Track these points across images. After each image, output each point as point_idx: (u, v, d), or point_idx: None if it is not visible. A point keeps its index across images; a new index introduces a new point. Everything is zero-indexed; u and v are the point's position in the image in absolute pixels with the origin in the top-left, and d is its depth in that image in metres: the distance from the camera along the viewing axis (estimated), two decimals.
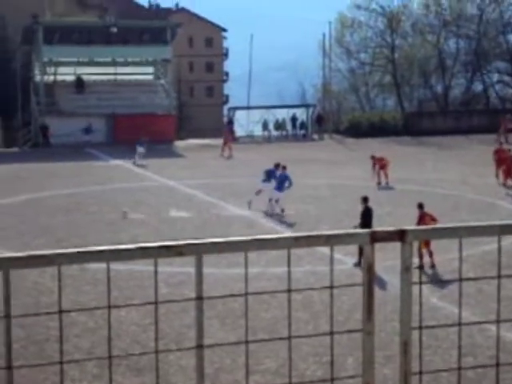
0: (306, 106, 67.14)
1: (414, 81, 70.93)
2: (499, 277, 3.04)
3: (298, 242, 2.71)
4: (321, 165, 40.38)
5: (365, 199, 19.93)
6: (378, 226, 14.19)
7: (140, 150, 42.71)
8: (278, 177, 26.52)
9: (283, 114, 62.03)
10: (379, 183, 32.73)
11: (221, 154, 46.18)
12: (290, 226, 23.39)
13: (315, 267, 16.65)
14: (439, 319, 13.11)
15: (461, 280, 3.16)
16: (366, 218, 19.08)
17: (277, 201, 25.87)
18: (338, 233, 2.81)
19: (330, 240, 2.79)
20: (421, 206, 19.32)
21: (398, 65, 69.91)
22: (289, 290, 2.87)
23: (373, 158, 34.15)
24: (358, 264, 17.30)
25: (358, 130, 57.92)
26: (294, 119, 61.45)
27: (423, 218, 18.70)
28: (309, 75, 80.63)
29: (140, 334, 13.12)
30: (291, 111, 62.51)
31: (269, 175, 27.06)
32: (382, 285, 15.07)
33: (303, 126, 61.70)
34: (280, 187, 25.85)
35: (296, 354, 10.97)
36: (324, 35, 65.88)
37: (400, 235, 2.87)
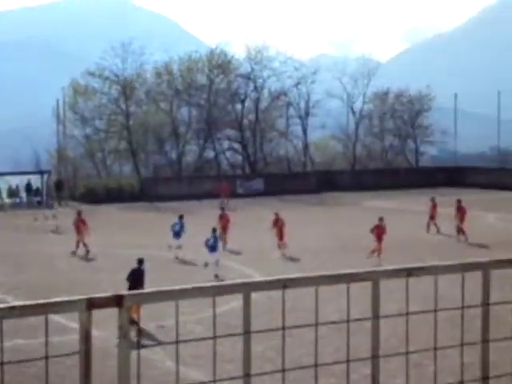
0: (41, 172, 65.55)
1: (149, 147, 72.05)
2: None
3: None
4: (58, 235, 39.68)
5: (140, 261, 20.49)
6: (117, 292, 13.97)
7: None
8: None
9: (17, 181, 60.08)
10: (74, 252, 32.74)
11: None
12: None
13: (51, 338, 16.15)
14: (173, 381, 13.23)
15: (176, 342, 3.26)
16: (138, 279, 19.48)
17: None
18: (54, 300, 2.77)
19: (46, 307, 2.76)
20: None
21: (134, 131, 70.64)
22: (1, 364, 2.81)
23: None
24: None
25: (94, 197, 57.48)
26: (28, 185, 59.72)
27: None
28: (43, 141, 79.12)
29: None
30: (25, 178, 60.69)
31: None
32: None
33: (38, 192, 60.16)
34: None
35: None
36: (58, 101, 65.29)
37: (117, 300, 2.86)
